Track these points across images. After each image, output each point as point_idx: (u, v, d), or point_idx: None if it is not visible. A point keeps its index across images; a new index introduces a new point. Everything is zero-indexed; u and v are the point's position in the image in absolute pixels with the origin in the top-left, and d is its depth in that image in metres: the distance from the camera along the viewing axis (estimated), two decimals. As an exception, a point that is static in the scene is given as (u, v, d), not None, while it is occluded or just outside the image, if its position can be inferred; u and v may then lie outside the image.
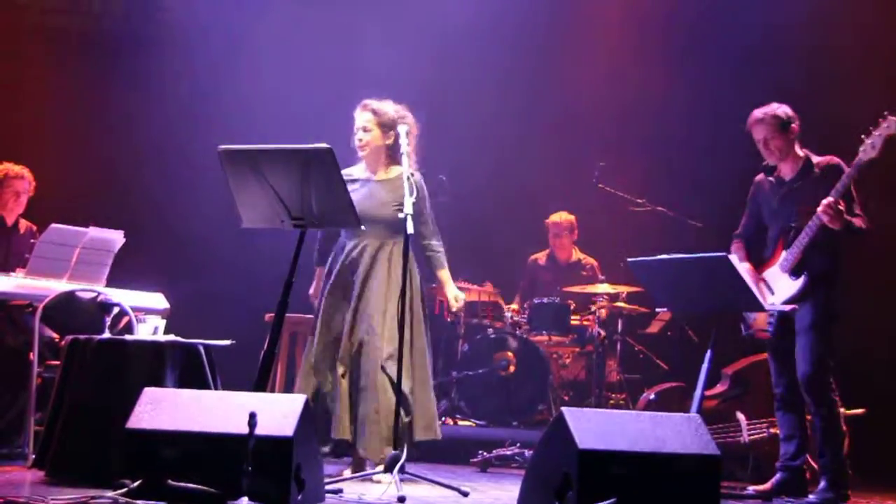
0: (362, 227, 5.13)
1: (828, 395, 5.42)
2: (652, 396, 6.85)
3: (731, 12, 8.83)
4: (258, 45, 8.87)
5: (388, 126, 5.69)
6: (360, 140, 5.73)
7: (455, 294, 5.91)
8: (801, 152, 5.59)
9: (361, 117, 5.75)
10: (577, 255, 8.62)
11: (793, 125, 5.54)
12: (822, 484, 5.40)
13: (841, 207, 5.25)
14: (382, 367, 5.43)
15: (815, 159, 5.55)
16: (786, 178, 5.61)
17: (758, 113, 5.58)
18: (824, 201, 5.25)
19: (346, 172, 5.62)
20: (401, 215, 5.22)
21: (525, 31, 9.18)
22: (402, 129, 5.55)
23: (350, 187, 5.35)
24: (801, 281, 5.42)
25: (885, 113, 5.29)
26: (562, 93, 9.04)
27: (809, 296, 5.42)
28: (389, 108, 5.74)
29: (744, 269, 5.47)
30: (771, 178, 5.66)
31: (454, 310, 6.11)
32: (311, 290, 5.94)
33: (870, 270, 7.01)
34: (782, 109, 5.55)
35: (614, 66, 9.02)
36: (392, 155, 5.75)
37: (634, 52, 9.01)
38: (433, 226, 5.86)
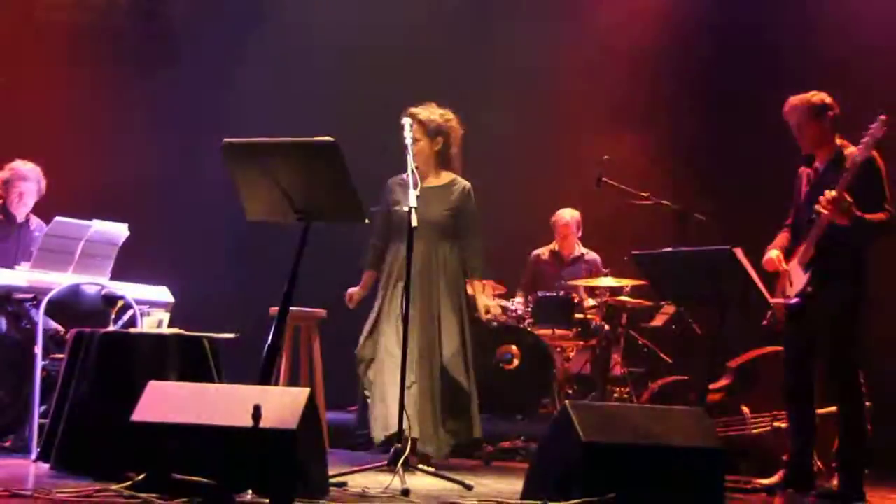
0: (366, 220, 5.14)
1: (851, 391, 5.28)
2: (656, 390, 6.85)
3: (740, 8, 8.83)
4: (264, 37, 8.86)
5: (434, 132, 5.84)
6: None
7: (485, 304, 6.06)
8: (837, 142, 5.38)
9: (407, 127, 5.82)
10: (580, 249, 8.60)
11: (828, 113, 5.34)
12: (839, 480, 5.32)
13: (846, 202, 5.09)
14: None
15: (848, 150, 5.30)
16: (819, 168, 5.42)
17: (793, 99, 5.41)
18: (824, 195, 5.12)
19: (399, 178, 5.79)
20: (405, 208, 5.22)
21: (529, 25, 9.17)
22: (405, 121, 5.58)
23: (403, 193, 5.41)
24: (807, 276, 5.31)
25: (880, 111, 5.16)
26: (565, 86, 9.02)
27: (824, 291, 5.28)
28: (434, 113, 5.86)
29: (774, 255, 5.43)
30: (809, 170, 5.46)
31: (483, 320, 6.25)
32: (353, 290, 6.08)
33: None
34: (818, 97, 5.37)
35: (619, 60, 9.00)
36: (442, 160, 5.91)
37: (639, 47, 8.99)
38: (476, 237, 6.00)
